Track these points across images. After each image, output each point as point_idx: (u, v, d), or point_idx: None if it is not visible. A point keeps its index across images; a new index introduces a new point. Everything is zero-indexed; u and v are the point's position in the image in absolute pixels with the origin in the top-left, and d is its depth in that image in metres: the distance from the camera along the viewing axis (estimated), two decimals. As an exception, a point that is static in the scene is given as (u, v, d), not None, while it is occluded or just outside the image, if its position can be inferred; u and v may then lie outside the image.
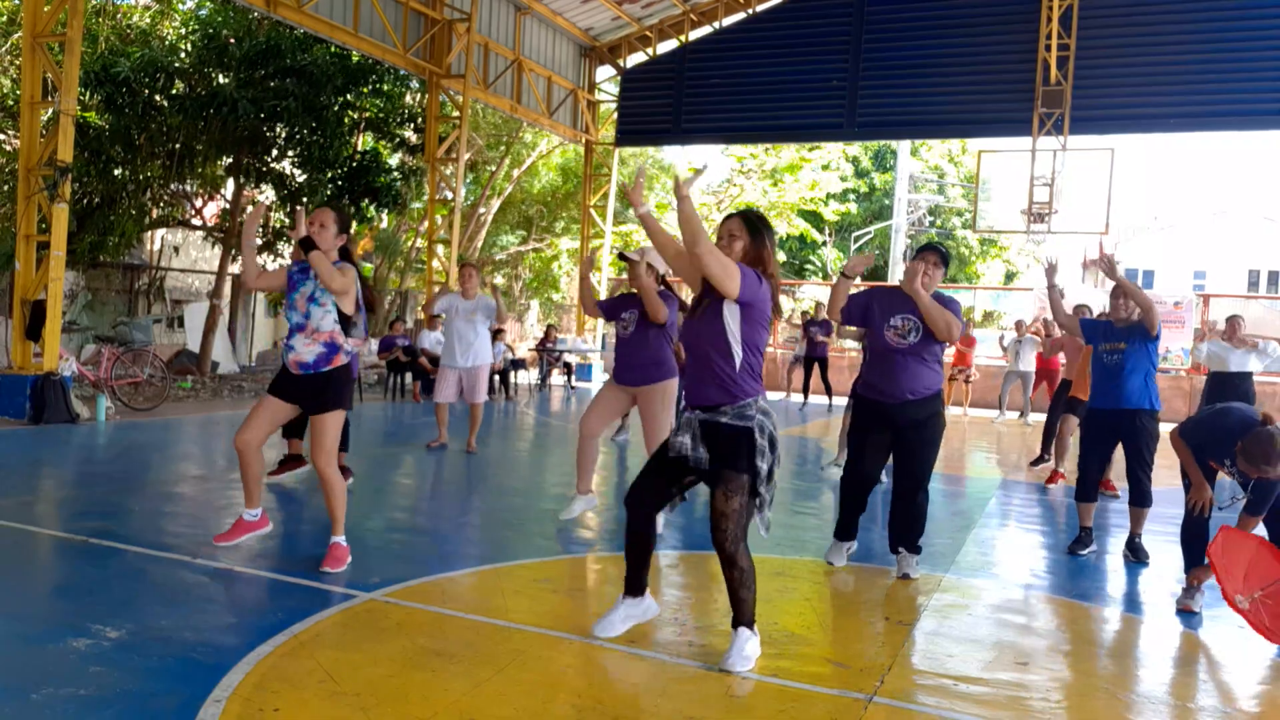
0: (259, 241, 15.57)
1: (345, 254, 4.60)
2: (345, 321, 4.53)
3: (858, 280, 5.48)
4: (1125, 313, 5.62)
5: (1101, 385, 5.61)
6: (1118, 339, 5.57)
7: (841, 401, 15.28)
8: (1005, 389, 15.28)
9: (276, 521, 5.43)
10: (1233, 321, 10.11)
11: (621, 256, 5.58)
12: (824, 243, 37.03)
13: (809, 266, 38.16)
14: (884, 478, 7.48)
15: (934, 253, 4.71)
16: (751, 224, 3.51)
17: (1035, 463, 9.46)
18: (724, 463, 3.39)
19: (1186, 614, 4.47)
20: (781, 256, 37.84)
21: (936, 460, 4.87)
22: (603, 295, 14.23)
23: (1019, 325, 14.93)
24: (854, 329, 5.61)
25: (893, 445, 4.83)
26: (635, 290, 5.57)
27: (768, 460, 3.42)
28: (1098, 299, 12.55)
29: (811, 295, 29.76)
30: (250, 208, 4.71)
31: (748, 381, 3.44)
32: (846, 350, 17.91)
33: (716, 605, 4.11)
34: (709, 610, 4.07)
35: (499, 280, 28.47)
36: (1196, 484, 4.56)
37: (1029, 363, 14.48)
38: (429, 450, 8.58)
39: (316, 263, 4.36)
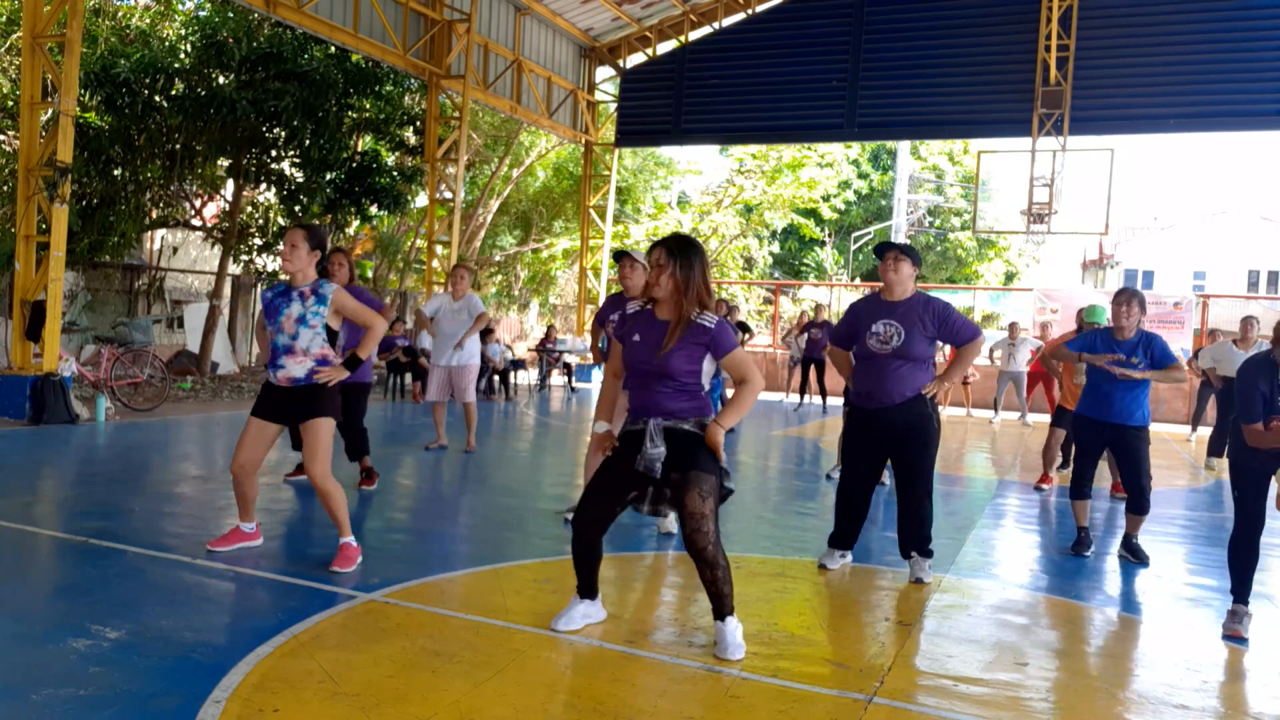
0: (259, 242, 15.55)
1: (322, 270, 4.58)
2: (330, 335, 4.53)
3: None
4: (1126, 320, 5.40)
5: (1103, 395, 5.44)
6: (1125, 352, 5.37)
7: (835, 403, 15.35)
8: (1000, 390, 15.33)
9: (277, 521, 5.45)
10: (1246, 323, 10.01)
11: (618, 255, 5.63)
12: (823, 242, 37.01)
13: (805, 266, 38.15)
14: (886, 479, 7.50)
15: (892, 249, 4.71)
16: (671, 250, 3.54)
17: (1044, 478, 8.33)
18: (694, 466, 3.49)
19: (1237, 639, 4.12)
20: (780, 257, 37.87)
21: (935, 461, 4.85)
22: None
23: (1012, 327, 14.93)
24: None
25: (889, 451, 4.82)
26: (625, 290, 5.62)
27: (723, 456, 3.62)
28: (1096, 299, 12.52)
29: (811, 297, 29.80)
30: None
31: (710, 395, 3.71)
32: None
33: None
34: (709, 610, 4.06)
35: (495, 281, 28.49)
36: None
37: (1021, 364, 14.50)
38: (427, 451, 8.59)
39: (365, 352, 4.52)
